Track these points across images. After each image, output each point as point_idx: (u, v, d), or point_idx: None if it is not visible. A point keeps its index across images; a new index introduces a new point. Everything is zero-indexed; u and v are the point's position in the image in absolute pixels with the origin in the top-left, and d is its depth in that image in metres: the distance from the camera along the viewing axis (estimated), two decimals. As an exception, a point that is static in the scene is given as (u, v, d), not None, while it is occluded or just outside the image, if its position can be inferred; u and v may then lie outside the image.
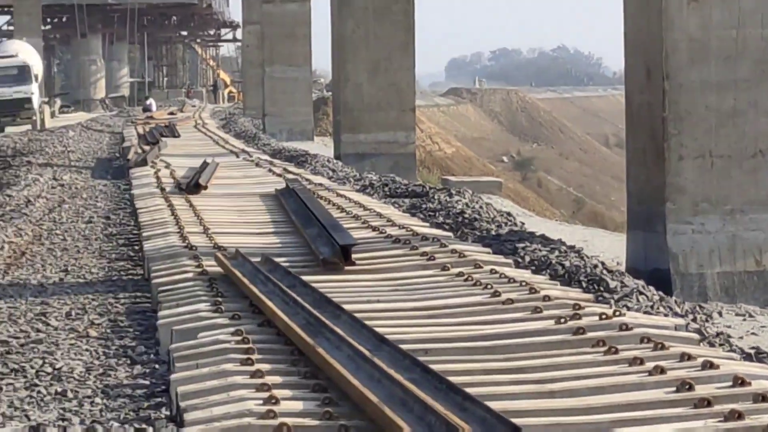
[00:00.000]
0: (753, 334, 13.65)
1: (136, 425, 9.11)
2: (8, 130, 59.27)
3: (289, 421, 8.38)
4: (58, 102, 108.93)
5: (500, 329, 11.37)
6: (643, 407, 8.80)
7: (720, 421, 8.30)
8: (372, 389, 8.29)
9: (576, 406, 8.93)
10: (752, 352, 11.13)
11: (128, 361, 11.69)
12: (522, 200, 64.72)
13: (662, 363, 9.44)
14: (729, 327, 13.46)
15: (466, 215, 22.55)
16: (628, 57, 17.20)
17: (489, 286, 13.45)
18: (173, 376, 9.99)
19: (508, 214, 25.92)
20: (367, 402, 8.15)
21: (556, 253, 17.72)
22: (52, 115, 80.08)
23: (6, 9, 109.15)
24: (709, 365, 9.46)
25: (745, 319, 15.09)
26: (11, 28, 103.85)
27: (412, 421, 7.78)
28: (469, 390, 8.61)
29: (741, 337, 12.68)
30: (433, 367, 9.10)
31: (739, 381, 9.10)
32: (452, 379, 9.05)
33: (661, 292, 14.96)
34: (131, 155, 37.25)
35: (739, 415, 8.37)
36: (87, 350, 12.25)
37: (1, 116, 65.57)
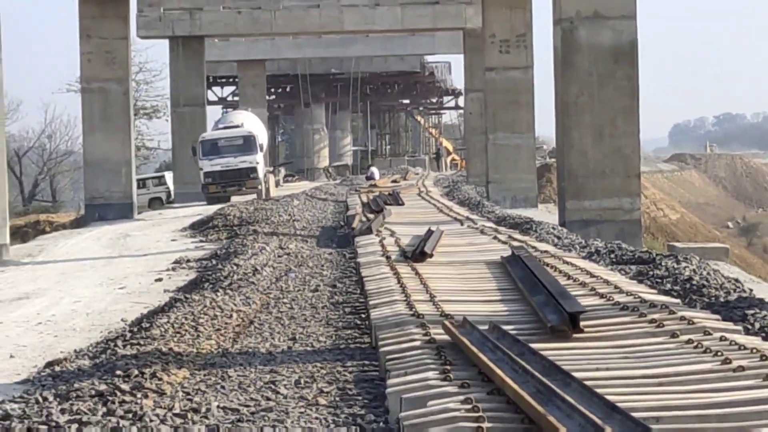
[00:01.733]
0: None
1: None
2: (234, 199, 60.10)
3: None
4: (283, 171, 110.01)
5: (732, 397, 11.10)
6: None
7: None
8: None
9: None
10: None
11: (358, 430, 11.67)
12: (748, 266, 63.94)
13: None
14: None
15: (694, 282, 22.17)
16: None
17: (719, 354, 13.13)
18: None
19: (736, 280, 25.48)
20: None
21: None
22: (277, 184, 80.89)
23: (231, 80, 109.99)
24: None
25: None
26: (236, 98, 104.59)
27: None
28: None
29: None
30: None
31: None
32: None
33: None
34: (356, 223, 37.39)
35: None
36: (317, 419, 12.33)
37: (227, 186, 66.72)
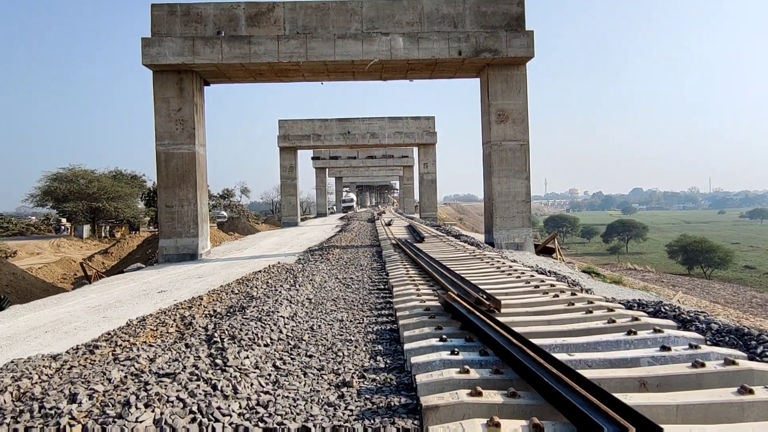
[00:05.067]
0: (513, 257, 13.55)
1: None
2: (349, 213, 59.49)
3: (416, 279, 8.53)
4: (359, 207, 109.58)
5: (459, 256, 11.02)
6: (489, 275, 8.75)
7: (518, 275, 8.33)
8: (433, 272, 8.40)
9: (470, 271, 8.97)
10: (515, 260, 10.79)
11: (377, 261, 11.39)
12: (460, 227, 63.84)
13: (496, 264, 9.47)
14: (507, 255, 13.40)
15: (450, 231, 21.75)
16: (485, 195, 16.72)
17: (458, 247, 12.87)
18: (387, 267, 9.87)
19: (459, 230, 25.53)
20: (438, 279, 8.20)
21: (473, 239, 16.71)
22: (359, 208, 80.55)
23: (349, 186, 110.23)
24: (503, 263, 9.56)
25: (511, 253, 14.90)
26: (347, 190, 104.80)
27: (448, 283, 7.82)
28: (460, 275, 8.54)
29: (509, 259, 12.60)
30: (446, 264, 9.25)
31: (514, 269, 9.11)
32: (456, 272, 8.99)
33: (492, 247, 14.85)
34: (375, 217, 37.15)
35: (514, 273, 8.44)
36: (366, 259, 11.95)
37: (346, 209, 66.31)
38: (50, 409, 3.31)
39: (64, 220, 51.02)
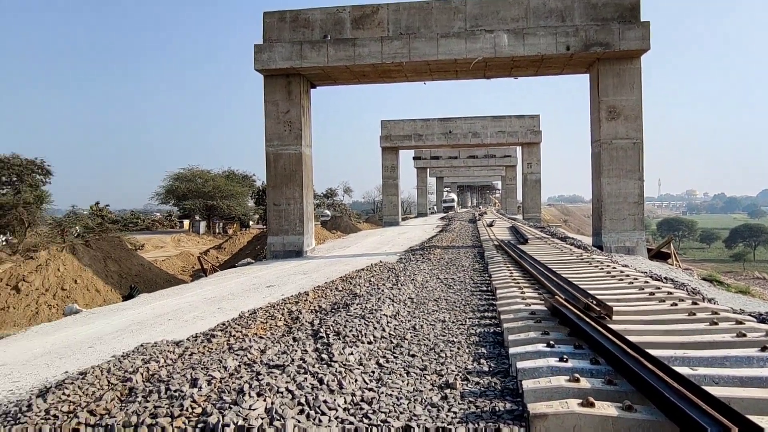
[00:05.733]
0: (624, 262, 12.91)
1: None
2: (449, 213, 58.96)
3: (514, 273, 8.33)
4: (460, 207, 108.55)
5: (565, 260, 10.61)
6: (598, 279, 8.39)
7: (630, 281, 7.90)
8: (538, 275, 8.21)
9: (581, 276, 8.59)
10: (626, 264, 10.20)
11: (479, 263, 11.21)
12: (565, 229, 60.60)
13: (606, 268, 8.98)
14: (617, 260, 12.76)
15: (555, 233, 21.13)
16: (593, 196, 16.16)
17: (563, 250, 12.49)
18: (490, 268, 9.71)
19: (564, 232, 24.49)
20: (543, 283, 8.03)
21: (579, 242, 16.45)
22: (459, 209, 79.85)
23: (450, 186, 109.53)
24: (613, 267, 9.10)
25: (621, 257, 14.19)
26: (448, 190, 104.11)
27: (554, 286, 7.56)
28: (560, 274, 8.20)
29: (620, 263, 12.00)
30: (551, 267, 8.92)
31: (626, 274, 8.66)
32: (562, 275, 8.69)
33: (600, 251, 14.22)
34: (476, 218, 36.85)
35: (631, 279, 8.00)
36: (468, 260, 11.77)
37: (447, 210, 65.94)
38: (174, 391, 3.58)
39: (197, 217, 55.15)
